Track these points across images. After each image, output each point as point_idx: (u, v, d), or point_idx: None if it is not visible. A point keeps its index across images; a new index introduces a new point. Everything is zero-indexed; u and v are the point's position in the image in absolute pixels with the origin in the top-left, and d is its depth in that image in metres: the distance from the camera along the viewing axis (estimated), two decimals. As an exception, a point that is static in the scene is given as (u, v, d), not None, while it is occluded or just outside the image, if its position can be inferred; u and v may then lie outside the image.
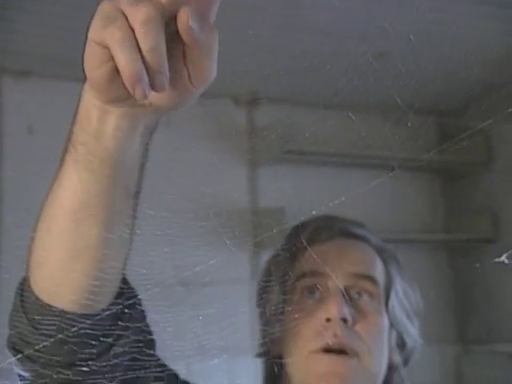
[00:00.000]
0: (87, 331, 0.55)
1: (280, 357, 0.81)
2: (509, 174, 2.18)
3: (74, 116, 0.52)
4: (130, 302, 0.60)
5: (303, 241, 0.81)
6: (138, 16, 0.43)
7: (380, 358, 0.78)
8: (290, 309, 0.79)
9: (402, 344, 0.82)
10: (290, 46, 1.85)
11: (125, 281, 0.61)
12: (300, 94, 2.23)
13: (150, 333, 0.65)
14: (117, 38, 0.43)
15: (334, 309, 0.74)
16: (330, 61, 2.06)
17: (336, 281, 0.77)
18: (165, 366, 0.69)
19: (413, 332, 0.83)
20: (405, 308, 0.82)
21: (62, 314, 0.55)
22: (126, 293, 0.60)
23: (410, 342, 0.83)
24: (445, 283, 2.44)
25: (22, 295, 0.57)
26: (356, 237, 0.84)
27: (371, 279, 0.80)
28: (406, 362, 0.84)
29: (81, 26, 0.48)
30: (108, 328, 0.57)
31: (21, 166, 1.71)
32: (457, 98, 2.17)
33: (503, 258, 0.70)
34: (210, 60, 0.47)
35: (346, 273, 0.78)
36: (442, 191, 2.54)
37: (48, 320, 0.55)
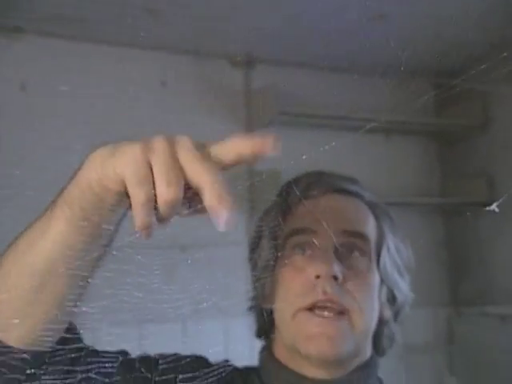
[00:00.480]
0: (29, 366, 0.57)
1: (270, 312, 0.80)
2: (505, 138, 2.17)
3: (73, 177, 0.53)
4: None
5: (295, 197, 0.80)
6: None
7: (370, 314, 0.78)
8: (280, 265, 0.79)
9: (392, 299, 0.82)
10: (287, 6, 1.82)
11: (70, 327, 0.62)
12: (297, 56, 2.20)
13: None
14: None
15: (324, 266, 0.74)
16: (328, 22, 2.04)
17: (326, 238, 0.76)
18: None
19: (403, 287, 0.83)
20: (396, 264, 0.82)
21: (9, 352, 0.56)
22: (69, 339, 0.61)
23: (400, 297, 0.82)
24: (439, 247, 2.46)
25: None
26: (348, 193, 0.82)
27: (362, 236, 0.79)
28: (396, 316, 0.84)
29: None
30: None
31: (13, 123, 1.70)
32: (455, 59, 2.15)
33: (493, 207, 0.70)
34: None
35: (337, 230, 0.77)
36: (438, 155, 2.54)
37: None
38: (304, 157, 0.60)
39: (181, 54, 2.03)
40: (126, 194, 0.49)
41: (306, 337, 0.74)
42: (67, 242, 0.53)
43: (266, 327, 0.83)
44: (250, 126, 2.19)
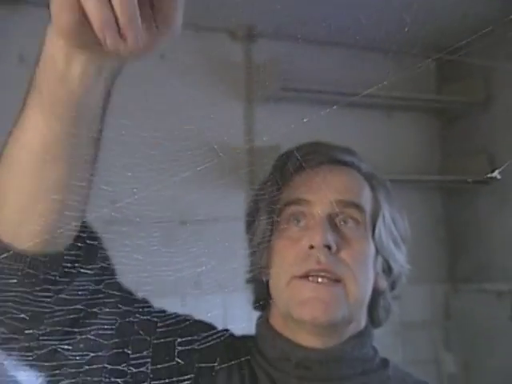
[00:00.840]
0: (47, 270, 0.56)
1: (267, 283, 0.81)
2: (507, 115, 2.16)
3: (37, 60, 0.52)
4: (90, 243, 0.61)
5: (290, 168, 0.80)
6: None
7: (365, 283, 0.78)
8: (276, 236, 0.79)
9: (388, 269, 0.82)
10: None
11: (85, 224, 0.62)
12: (299, 30, 2.18)
13: (112, 271, 0.66)
14: None
15: (318, 236, 0.74)
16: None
17: (321, 208, 0.76)
18: (131, 293, 0.70)
19: (399, 257, 0.83)
20: (392, 234, 0.82)
21: (21, 253, 0.56)
22: (86, 235, 0.61)
23: (396, 268, 0.82)
24: (438, 224, 2.47)
25: None
26: (344, 163, 0.82)
27: (357, 206, 0.79)
28: (392, 286, 0.84)
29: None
30: (65, 270, 0.58)
31: (11, 94, 1.69)
32: (458, 35, 2.12)
33: (495, 174, 0.70)
34: (176, 8, 0.46)
35: (332, 200, 0.77)
36: (439, 132, 2.53)
37: (5, 260, 0.56)
38: (305, 120, 0.59)
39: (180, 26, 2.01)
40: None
41: (300, 302, 0.74)
42: (46, 128, 0.52)
43: (262, 298, 0.83)
44: (251, 101, 2.18)
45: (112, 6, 0.42)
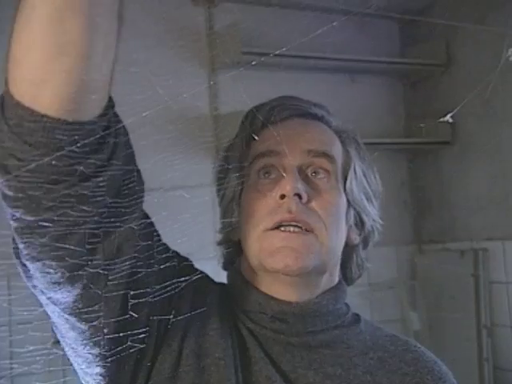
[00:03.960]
0: (71, 139, 0.52)
1: (238, 242, 0.80)
2: (467, 78, 2.19)
3: None
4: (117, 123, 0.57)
5: (258, 122, 0.79)
6: None
7: (336, 234, 0.77)
8: (246, 191, 0.78)
9: (360, 223, 0.82)
10: None
11: (110, 101, 0.57)
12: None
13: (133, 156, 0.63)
14: None
15: (288, 185, 0.73)
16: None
17: (291, 159, 0.75)
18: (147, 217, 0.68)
19: (372, 211, 0.82)
20: (364, 188, 0.81)
21: (44, 118, 0.52)
22: (112, 109, 0.57)
23: (368, 222, 0.82)
24: (403, 187, 2.50)
25: (1, 104, 0.54)
26: (314, 116, 0.81)
27: (328, 156, 0.78)
28: (365, 242, 0.84)
29: None
30: (93, 145, 0.55)
31: None
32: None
33: (447, 118, 0.71)
34: None
35: (302, 150, 0.76)
36: (403, 95, 2.55)
37: (29, 126, 0.52)
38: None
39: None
40: None
41: (272, 251, 0.74)
42: None
43: (233, 257, 0.83)
44: (214, 66, 2.15)
45: None
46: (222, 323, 0.74)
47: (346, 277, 0.84)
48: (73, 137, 0.53)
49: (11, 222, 0.57)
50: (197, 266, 0.78)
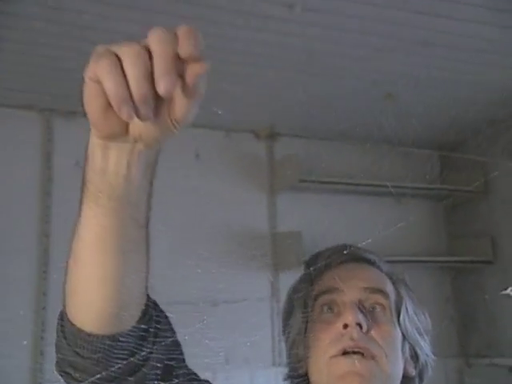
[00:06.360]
0: (115, 350, 0.56)
1: (305, 374, 0.80)
2: (503, 203, 2.16)
3: (85, 157, 0.52)
4: (156, 317, 0.60)
5: (320, 266, 0.82)
6: (126, 50, 0.44)
7: (395, 362, 0.77)
8: (311, 326, 0.79)
9: (415, 356, 0.80)
10: (307, 87, 1.87)
11: (149, 301, 0.61)
12: (315, 130, 2.24)
13: (178, 345, 0.64)
14: (105, 67, 0.43)
15: (350, 315, 0.75)
16: (344, 100, 2.07)
17: (350, 295, 0.77)
18: (195, 374, 0.68)
19: (424, 346, 0.82)
20: (415, 324, 0.81)
21: (90, 336, 0.55)
22: (150, 312, 0.60)
23: (422, 355, 0.81)
24: (448, 302, 2.40)
25: (61, 324, 0.58)
26: (367, 261, 0.84)
27: (383, 293, 0.79)
28: (420, 376, 0.82)
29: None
30: (135, 346, 0.58)
31: (69, 196, 1.73)
32: (457, 133, 2.16)
33: (508, 291, 0.70)
34: (189, 110, 0.46)
35: (359, 288, 0.78)
36: (444, 217, 2.52)
37: (81, 343, 0.56)
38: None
39: (212, 129, 2.08)
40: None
41: (339, 376, 0.74)
42: (95, 220, 0.52)
43: None
44: (273, 192, 2.21)
45: (128, 86, 0.43)
46: None
47: None
48: (114, 348, 0.56)
49: None
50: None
